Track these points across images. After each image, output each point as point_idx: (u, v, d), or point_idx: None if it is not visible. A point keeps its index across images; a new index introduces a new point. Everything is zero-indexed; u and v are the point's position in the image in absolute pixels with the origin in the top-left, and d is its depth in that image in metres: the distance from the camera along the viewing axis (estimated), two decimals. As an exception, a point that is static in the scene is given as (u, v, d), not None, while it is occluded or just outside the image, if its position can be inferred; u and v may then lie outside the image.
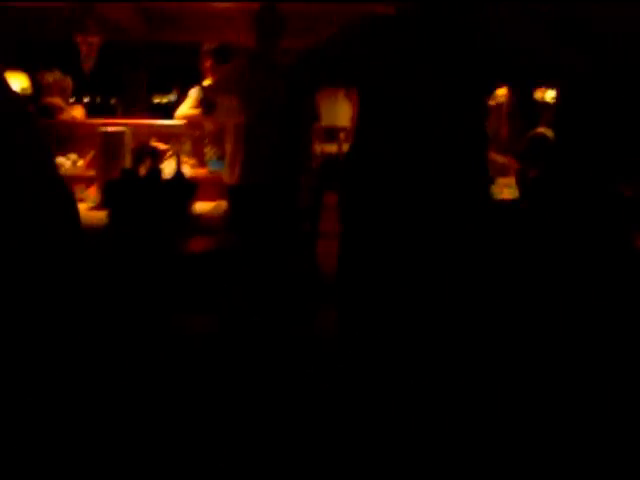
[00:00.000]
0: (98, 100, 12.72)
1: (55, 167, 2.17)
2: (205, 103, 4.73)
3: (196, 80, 5.19)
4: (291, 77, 2.89)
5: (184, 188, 3.76)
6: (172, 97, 10.03)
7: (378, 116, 2.61)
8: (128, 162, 4.08)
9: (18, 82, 6.83)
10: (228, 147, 3.87)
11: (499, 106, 5.64)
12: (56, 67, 5.30)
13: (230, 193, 3.80)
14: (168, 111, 6.44)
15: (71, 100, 5.36)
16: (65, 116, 5.04)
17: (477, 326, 2.64)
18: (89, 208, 3.94)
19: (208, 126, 4.80)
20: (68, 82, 5.28)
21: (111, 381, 2.81)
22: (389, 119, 2.57)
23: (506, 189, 4.30)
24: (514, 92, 5.61)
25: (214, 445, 2.60)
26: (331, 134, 7.41)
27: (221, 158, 4.82)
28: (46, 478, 2.04)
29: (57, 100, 5.12)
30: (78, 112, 5.27)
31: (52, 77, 5.15)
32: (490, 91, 3.31)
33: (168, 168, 4.00)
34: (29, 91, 6.43)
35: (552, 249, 3.48)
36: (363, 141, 2.69)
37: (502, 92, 5.62)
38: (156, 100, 10.35)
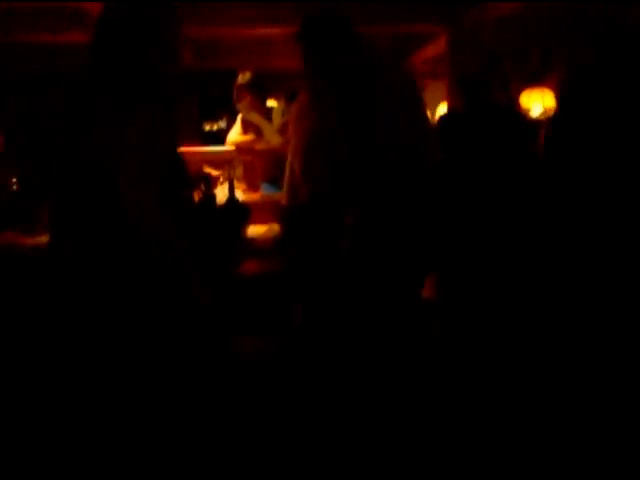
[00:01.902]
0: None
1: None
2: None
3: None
4: None
5: (238, 212, 3.81)
6: (222, 124, 10.15)
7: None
8: (182, 189, 4.14)
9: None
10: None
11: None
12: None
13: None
14: (219, 138, 6.53)
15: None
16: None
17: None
18: (145, 235, 4.00)
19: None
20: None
21: (167, 403, 2.85)
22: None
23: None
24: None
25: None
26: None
27: (272, 181, 4.87)
28: None
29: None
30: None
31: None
32: None
33: (221, 193, 4.05)
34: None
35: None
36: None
37: (552, 105, 5.58)
38: (207, 127, 10.50)
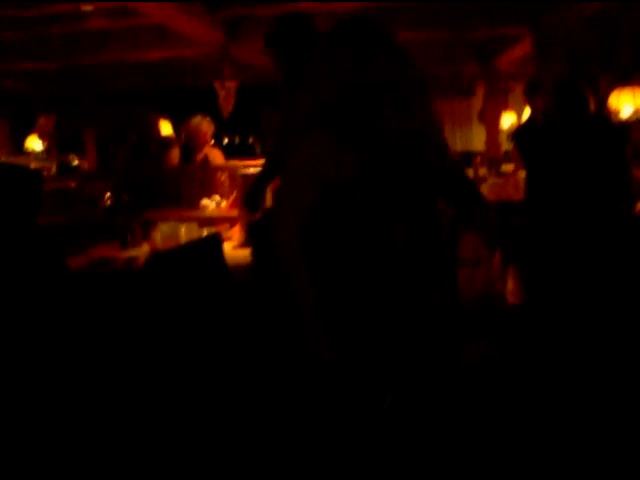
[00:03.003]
0: (237, 140, 13.17)
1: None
2: None
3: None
4: None
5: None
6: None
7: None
8: (268, 202, 4.20)
9: (164, 128, 7.25)
10: None
11: (640, 121, 5.44)
12: (198, 112, 5.53)
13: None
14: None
15: (211, 142, 5.57)
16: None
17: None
18: (234, 247, 4.08)
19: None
20: (211, 125, 5.48)
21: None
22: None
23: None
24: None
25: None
26: (467, 159, 7.34)
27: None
28: None
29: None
30: (217, 155, 5.45)
31: (197, 122, 5.38)
32: None
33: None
34: (173, 135, 6.79)
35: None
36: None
37: (642, 106, 5.42)
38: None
